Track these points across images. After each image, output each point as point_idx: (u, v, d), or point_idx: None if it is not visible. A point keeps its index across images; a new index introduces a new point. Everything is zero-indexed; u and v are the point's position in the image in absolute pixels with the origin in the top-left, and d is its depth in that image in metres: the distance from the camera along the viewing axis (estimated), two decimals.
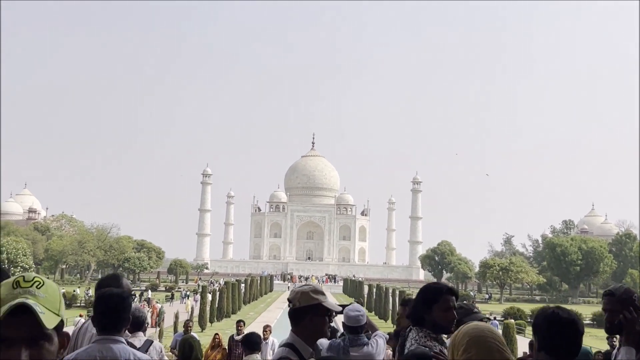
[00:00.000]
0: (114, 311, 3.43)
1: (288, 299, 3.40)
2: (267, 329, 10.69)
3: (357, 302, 7.70)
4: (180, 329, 22.27)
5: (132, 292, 3.42)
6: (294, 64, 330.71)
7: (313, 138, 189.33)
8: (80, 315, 34.20)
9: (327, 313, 3.28)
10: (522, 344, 28.87)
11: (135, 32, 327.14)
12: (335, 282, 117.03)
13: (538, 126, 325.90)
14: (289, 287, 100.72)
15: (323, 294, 3.36)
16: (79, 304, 51.01)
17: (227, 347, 12.15)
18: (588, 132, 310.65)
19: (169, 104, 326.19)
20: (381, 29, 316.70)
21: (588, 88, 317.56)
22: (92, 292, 61.48)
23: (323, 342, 5.25)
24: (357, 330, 5.41)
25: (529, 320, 50.70)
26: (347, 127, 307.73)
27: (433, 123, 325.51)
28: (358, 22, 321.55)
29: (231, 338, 12.41)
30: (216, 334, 13.83)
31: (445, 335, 3.59)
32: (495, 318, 42.38)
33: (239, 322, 12.10)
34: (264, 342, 10.80)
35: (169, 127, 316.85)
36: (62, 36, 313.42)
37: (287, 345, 3.25)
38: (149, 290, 65.39)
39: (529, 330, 38.07)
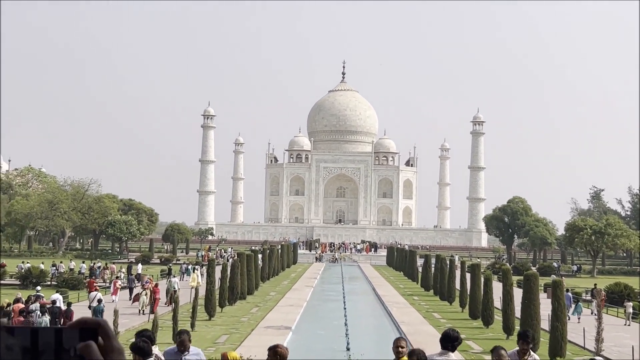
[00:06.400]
0: None
1: None
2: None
3: None
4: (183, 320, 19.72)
5: None
6: None
7: (343, 68, 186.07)
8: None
9: None
10: None
11: None
12: (375, 251, 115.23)
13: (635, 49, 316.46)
14: (317, 257, 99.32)
15: None
16: (48, 283, 49.41)
17: None
18: None
19: (159, 29, 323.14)
20: None
21: None
22: (64, 266, 60.08)
23: None
24: None
25: None
26: (386, 52, 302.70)
27: (498, 46, 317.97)
28: None
29: None
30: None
31: None
32: (591, 297, 39.65)
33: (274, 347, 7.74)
34: None
35: (161, 59, 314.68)
36: None
37: None
38: (139, 264, 64.09)
39: None
